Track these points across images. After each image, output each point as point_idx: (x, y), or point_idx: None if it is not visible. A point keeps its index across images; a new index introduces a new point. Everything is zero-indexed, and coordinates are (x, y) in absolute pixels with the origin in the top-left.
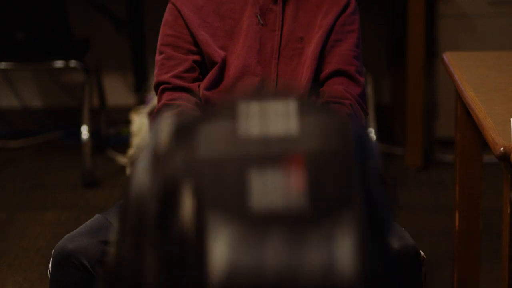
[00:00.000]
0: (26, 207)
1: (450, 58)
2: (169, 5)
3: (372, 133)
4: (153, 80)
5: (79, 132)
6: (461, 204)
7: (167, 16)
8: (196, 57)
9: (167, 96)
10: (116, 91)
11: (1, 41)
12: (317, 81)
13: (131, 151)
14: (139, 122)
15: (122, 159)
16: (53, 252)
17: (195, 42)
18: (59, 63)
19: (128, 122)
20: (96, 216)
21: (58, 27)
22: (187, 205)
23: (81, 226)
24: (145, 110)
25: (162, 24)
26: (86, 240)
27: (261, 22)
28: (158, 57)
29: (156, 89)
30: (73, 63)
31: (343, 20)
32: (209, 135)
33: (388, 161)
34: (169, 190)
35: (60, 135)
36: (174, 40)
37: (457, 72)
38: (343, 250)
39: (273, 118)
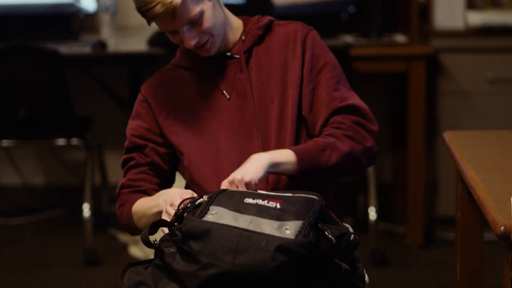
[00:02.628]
0: (27, 285)
1: (450, 137)
2: (140, 96)
3: (373, 211)
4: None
5: (80, 210)
6: (462, 282)
7: (138, 107)
8: (165, 150)
9: (131, 174)
10: (118, 168)
11: (4, 119)
12: (305, 136)
13: None
14: None
15: (123, 237)
16: None
17: (164, 134)
18: (61, 141)
19: None
20: None
21: (60, 105)
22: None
23: None
24: None
25: (134, 113)
26: None
27: (227, 96)
28: (126, 143)
29: (122, 168)
30: (74, 141)
31: (309, 67)
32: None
33: (389, 239)
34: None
35: (62, 213)
36: (144, 132)
37: (457, 151)
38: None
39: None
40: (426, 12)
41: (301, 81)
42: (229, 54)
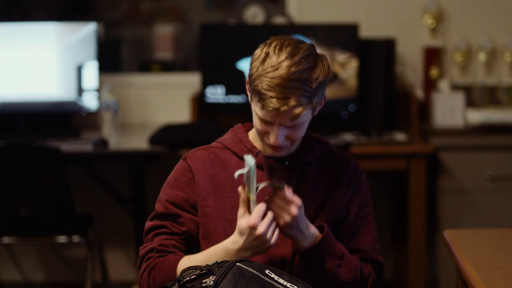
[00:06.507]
0: None
1: (450, 235)
2: (184, 164)
3: None
4: (146, 224)
5: None
6: None
7: (179, 175)
8: (194, 229)
9: (162, 239)
10: (119, 266)
11: (5, 216)
12: None
13: None
14: None
15: None
16: None
17: (196, 209)
18: (62, 238)
19: None
20: None
21: (62, 203)
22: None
23: None
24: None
25: (172, 180)
26: None
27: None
28: (160, 208)
29: (147, 234)
30: (75, 238)
31: (357, 210)
32: None
33: None
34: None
35: None
36: (181, 201)
37: (457, 250)
38: None
39: None
40: (426, 110)
41: (346, 214)
42: (287, 163)
